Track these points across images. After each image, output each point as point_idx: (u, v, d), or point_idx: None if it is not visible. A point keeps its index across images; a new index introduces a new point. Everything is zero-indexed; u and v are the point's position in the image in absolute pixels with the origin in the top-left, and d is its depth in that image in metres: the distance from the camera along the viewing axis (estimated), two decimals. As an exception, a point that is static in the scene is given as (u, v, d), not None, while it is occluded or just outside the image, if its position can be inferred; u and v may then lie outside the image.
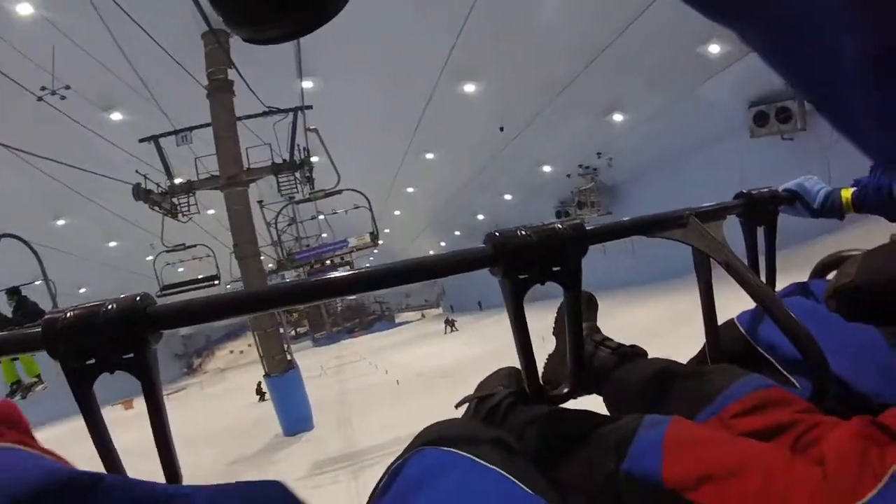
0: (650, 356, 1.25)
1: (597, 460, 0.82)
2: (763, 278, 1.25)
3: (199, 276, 12.81)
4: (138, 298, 0.73)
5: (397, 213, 30.44)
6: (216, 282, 12.86)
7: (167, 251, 12.74)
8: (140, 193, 11.00)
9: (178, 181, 11.69)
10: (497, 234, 0.89)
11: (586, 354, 1.24)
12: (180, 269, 17.64)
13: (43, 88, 10.70)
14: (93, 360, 0.71)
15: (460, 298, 43.56)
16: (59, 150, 11.13)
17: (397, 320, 58.32)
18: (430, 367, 16.50)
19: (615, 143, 18.99)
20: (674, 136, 17.25)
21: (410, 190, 26.35)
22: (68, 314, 0.70)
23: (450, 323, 32.36)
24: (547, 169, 22.58)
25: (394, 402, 11.89)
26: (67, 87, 10.85)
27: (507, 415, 1.03)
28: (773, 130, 14.11)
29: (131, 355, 0.72)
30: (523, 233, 0.89)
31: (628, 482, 0.76)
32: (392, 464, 0.79)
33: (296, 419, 11.03)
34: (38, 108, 11.38)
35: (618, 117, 17.67)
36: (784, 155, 14.34)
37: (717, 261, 1.09)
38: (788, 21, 0.29)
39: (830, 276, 1.31)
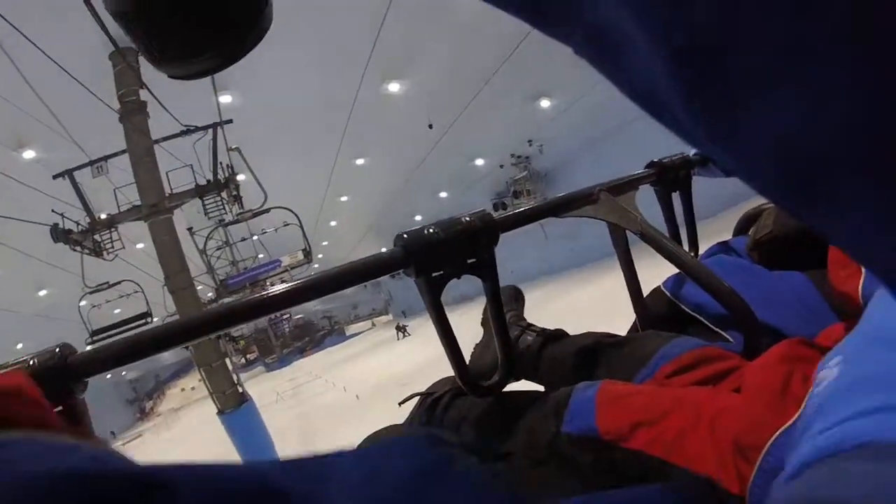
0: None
1: (538, 428, 0.85)
2: (685, 244, 1.30)
3: (129, 317, 11.99)
4: (57, 349, 0.72)
5: (333, 223, 29.79)
6: (148, 319, 12.05)
7: (90, 292, 11.92)
8: (58, 234, 10.11)
9: (102, 216, 10.81)
10: (405, 235, 0.89)
11: (512, 339, 1.26)
12: (117, 311, 16.66)
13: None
14: None
15: (411, 302, 42.95)
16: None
17: (348, 332, 57.76)
18: (387, 376, 16.11)
19: (545, 129, 19.16)
20: (602, 117, 17.54)
21: (344, 199, 25.77)
22: None
23: (401, 329, 31.89)
24: (480, 162, 22.54)
25: (356, 419, 11.45)
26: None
27: (448, 408, 1.05)
28: (703, 98, 14.34)
29: (59, 408, 0.70)
30: (431, 230, 0.89)
31: (569, 442, 0.80)
32: None
33: (258, 454, 10.38)
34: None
35: (545, 103, 17.77)
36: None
37: (633, 231, 1.10)
38: (602, 30, 0.30)
39: (751, 231, 1.31)
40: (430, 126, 17.22)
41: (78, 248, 10.63)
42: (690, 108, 0.25)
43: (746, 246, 1.26)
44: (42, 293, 22.25)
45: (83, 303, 12.65)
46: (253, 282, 14.67)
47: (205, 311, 0.82)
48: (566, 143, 19.95)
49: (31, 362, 0.70)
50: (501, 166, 22.31)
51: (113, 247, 11.18)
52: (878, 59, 0.17)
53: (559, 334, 1.28)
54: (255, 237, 18.99)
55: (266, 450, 10.71)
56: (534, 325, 1.34)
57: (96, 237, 10.97)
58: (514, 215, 1.06)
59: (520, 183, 22.44)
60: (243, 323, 0.86)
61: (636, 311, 1.27)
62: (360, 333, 54.31)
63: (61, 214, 10.62)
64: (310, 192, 22.29)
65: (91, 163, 10.35)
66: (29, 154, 12.22)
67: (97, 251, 11.03)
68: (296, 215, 12.37)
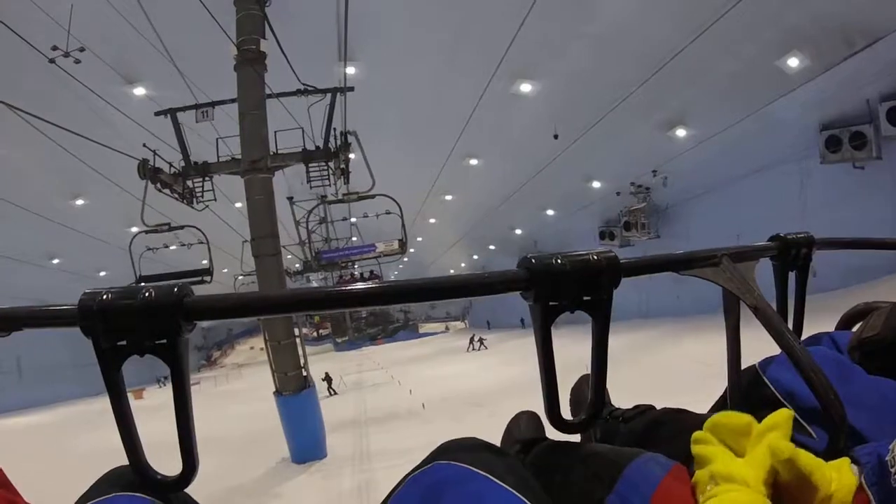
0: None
1: (586, 487, 0.84)
2: (790, 323, 1.29)
3: (185, 270, 11.26)
4: (176, 289, 0.75)
5: (432, 221, 29.29)
6: (207, 278, 11.31)
7: (147, 231, 10.68)
8: (146, 171, 9.55)
9: (198, 163, 10.21)
10: (533, 259, 0.90)
11: (598, 435, 1.34)
12: (204, 261, 16.65)
13: (54, 48, 9.49)
14: (124, 342, 0.73)
15: (498, 313, 41.48)
16: (75, 123, 10.06)
17: (421, 331, 58.51)
18: (458, 390, 15.08)
19: (674, 160, 17.69)
20: (737, 156, 16.16)
21: (449, 198, 25.16)
22: (105, 295, 0.72)
23: (477, 341, 30.47)
24: (596, 185, 21.33)
25: (419, 432, 10.53)
26: (82, 49, 9.63)
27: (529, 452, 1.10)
28: (845, 157, 13.05)
29: (164, 341, 0.74)
30: (559, 261, 0.89)
31: None
32: (408, 474, 0.81)
33: (307, 445, 9.66)
34: (52, 76, 10.29)
35: (681, 132, 16.38)
36: (852, 184, 13.34)
37: (747, 303, 1.06)
38: None
39: (856, 328, 1.23)
40: (556, 136, 16.10)
41: (166, 191, 10.06)
42: None
43: (849, 343, 1.18)
44: (133, 229, 22.61)
45: (174, 247, 12.29)
46: (345, 259, 15.11)
47: (321, 289, 0.83)
48: (694, 179, 18.40)
49: (148, 293, 0.72)
50: (618, 193, 20.91)
51: (203, 196, 10.51)
52: None
53: (640, 413, 1.28)
54: (353, 220, 18.87)
55: (317, 443, 9.97)
56: (616, 410, 1.33)
57: (189, 183, 10.38)
58: (637, 262, 1.00)
59: (635, 214, 20.90)
60: (355, 308, 0.88)
61: (729, 384, 1.19)
62: (433, 334, 54.14)
63: (154, 151, 10.02)
64: (415, 184, 21.75)
65: (197, 106, 9.86)
66: (139, 91, 12.07)
67: (188, 198, 10.46)
68: (398, 206, 11.81)
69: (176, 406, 0.77)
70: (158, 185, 9.80)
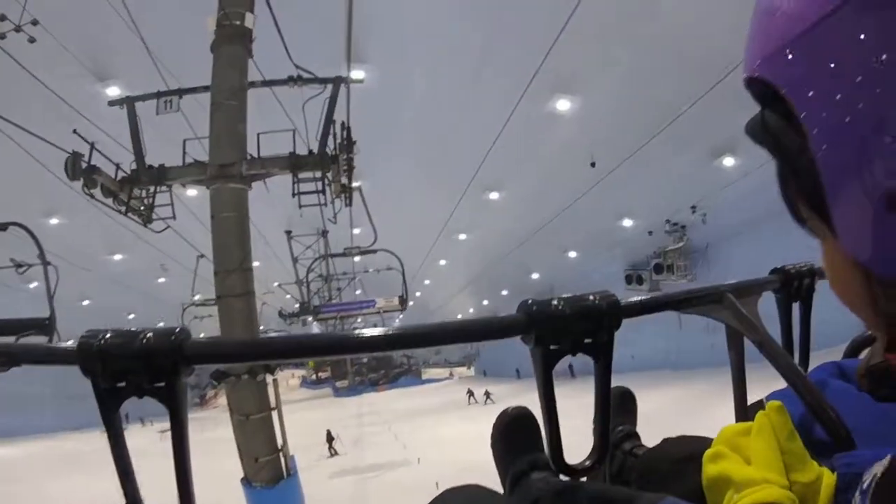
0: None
1: None
2: (796, 357, 1.25)
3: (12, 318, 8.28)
4: (173, 336, 0.73)
5: (443, 262, 27.33)
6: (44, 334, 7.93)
7: None
8: (77, 170, 6.90)
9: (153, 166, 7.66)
10: (532, 304, 0.87)
11: (614, 467, 1.32)
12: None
13: (2, 18, 7.47)
14: (123, 384, 0.72)
15: (522, 360, 39.33)
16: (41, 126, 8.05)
17: (424, 377, 56.54)
18: (477, 459, 12.58)
19: (718, 193, 16.07)
20: None
21: (463, 237, 23.23)
22: (104, 338, 0.71)
23: (473, 394, 28.58)
24: (627, 223, 19.61)
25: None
26: (35, 23, 7.63)
27: (530, 484, 1.07)
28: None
29: (162, 384, 0.73)
30: (559, 305, 0.86)
31: None
32: None
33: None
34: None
35: (728, 161, 14.81)
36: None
37: (751, 339, 1.04)
38: None
39: (863, 354, 1.00)
40: (594, 164, 14.27)
41: (112, 202, 7.31)
42: None
43: (857, 371, 0.96)
44: (117, 257, 21.02)
45: (162, 279, 9.98)
46: (345, 314, 15.52)
47: (324, 336, 0.83)
48: (739, 212, 16.73)
49: (146, 338, 0.72)
50: (650, 233, 19.06)
51: (155, 213, 7.97)
52: None
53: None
54: (357, 277, 19.53)
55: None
56: (640, 447, 1.30)
57: (139, 191, 7.78)
58: (639, 303, 0.97)
59: (670, 256, 18.95)
60: (358, 354, 0.98)
61: (737, 421, 1.11)
62: (437, 381, 52.02)
63: (91, 144, 7.38)
64: (426, 222, 20.11)
65: (159, 94, 7.65)
66: (113, 90, 10.25)
67: (141, 213, 7.77)
68: (400, 262, 11.52)
69: (174, 449, 0.75)
70: (99, 191, 7.27)
